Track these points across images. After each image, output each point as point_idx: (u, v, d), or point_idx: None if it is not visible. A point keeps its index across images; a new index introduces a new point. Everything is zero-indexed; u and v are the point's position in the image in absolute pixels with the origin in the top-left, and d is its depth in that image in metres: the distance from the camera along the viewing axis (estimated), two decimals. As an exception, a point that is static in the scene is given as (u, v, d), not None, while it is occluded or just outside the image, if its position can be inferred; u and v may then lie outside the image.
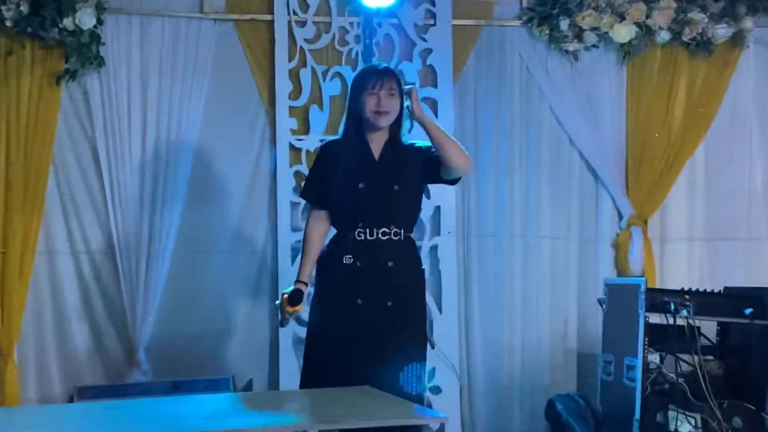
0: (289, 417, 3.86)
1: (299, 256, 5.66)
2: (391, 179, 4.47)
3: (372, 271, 4.45)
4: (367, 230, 4.43)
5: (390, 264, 4.44)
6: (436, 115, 5.78)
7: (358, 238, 4.43)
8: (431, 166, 4.52)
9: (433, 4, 5.94)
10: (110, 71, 5.65)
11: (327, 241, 4.63)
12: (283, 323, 4.62)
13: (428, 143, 4.56)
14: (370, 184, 4.43)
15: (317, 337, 4.53)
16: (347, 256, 4.44)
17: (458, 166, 4.47)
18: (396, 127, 4.52)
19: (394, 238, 4.46)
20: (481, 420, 6.03)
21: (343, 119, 4.62)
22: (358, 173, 4.44)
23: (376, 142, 4.52)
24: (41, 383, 5.66)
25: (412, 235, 4.61)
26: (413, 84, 4.63)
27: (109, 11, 5.55)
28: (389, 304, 4.44)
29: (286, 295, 4.48)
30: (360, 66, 5.83)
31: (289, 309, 4.47)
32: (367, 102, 4.41)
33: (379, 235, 4.43)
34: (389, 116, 4.41)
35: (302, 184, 4.86)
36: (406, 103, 4.54)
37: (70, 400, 5.49)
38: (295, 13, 5.85)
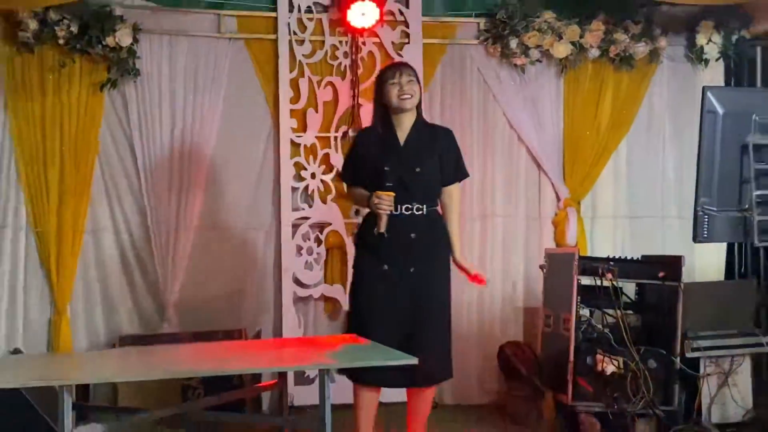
0: (287, 360, 4.05)
1: (299, 230, 5.92)
2: (414, 162, 4.49)
3: (397, 241, 4.47)
4: (393, 206, 4.50)
5: (412, 235, 4.47)
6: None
7: None
8: (441, 178, 4.59)
9: (407, 26, 6.02)
10: (144, 81, 5.80)
11: (363, 217, 4.68)
12: (383, 226, 4.44)
13: (452, 137, 4.62)
14: (394, 168, 4.46)
15: (357, 294, 4.62)
16: (376, 228, 4.48)
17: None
18: (420, 106, 4.58)
19: (416, 212, 4.48)
20: (446, 363, 6.05)
21: (373, 111, 4.67)
22: (384, 158, 4.48)
23: (405, 125, 4.54)
24: (89, 334, 5.81)
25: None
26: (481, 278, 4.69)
27: (143, 31, 5.71)
28: (412, 270, 4.47)
29: (382, 195, 4.39)
30: (348, 76, 6.02)
31: (387, 194, 4.42)
32: (391, 91, 4.45)
33: (403, 211, 4.46)
34: (413, 99, 4.45)
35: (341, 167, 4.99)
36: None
37: (113, 346, 5.62)
38: (295, 33, 5.97)
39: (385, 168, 4.40)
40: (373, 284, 4.45)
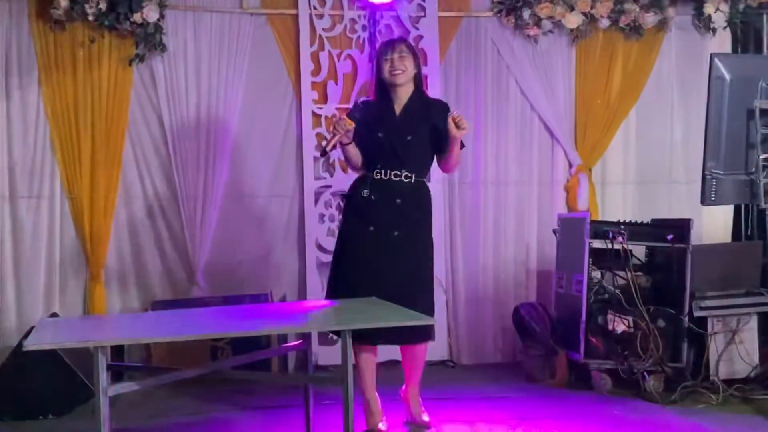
0: (311, 322, 4.02)
1: (321, 198, 5.94)
2: (406, 131, 4.48)
3: (383, 204, 4.46)
4: (383, 171, 4.45)
5: (398, 201, 4.46)
6: (426, 87, 5.57)
7: (375, 177, 4.45)
8: (435, 147, 4.57)
9: (424, 0, 6.00)
10: (171, 55, 5.77)
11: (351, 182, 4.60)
12: (327, 148, 4.42)
13: (448, 111, 4.53)
14: (387, 134, 4.45)
15: (340, 255, 4.58)
16: (365, 191, 4.46)
17: (445, 171, 4.72)
18: (419, 79, 4.59)
19: (404, 180, 4.48)
20: (462, 324, 6.18)
21: (374, 84, 4.65)
22: (378, 125, 4.48)
23: (402, 98, 4.53)
24: (123, 299, 5.85)
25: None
26: (452, 112, 4.52)
27: (169, 8, 5.65)
28: (395, 233, 4.45)
29: (345, 120, 4.40)
30: (366, 49, 5.99)
31: (348, 121, 4.37)
32: (384, 66, 4.48)
33: (392, 176, 4.45)
34: (404, 73, 4.46)
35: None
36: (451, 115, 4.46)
37: (146, 310, 5.64)
38: (314, 8, 5.93)
39: (378, 134, 4.41)
40: (359, 246, 4.43)
